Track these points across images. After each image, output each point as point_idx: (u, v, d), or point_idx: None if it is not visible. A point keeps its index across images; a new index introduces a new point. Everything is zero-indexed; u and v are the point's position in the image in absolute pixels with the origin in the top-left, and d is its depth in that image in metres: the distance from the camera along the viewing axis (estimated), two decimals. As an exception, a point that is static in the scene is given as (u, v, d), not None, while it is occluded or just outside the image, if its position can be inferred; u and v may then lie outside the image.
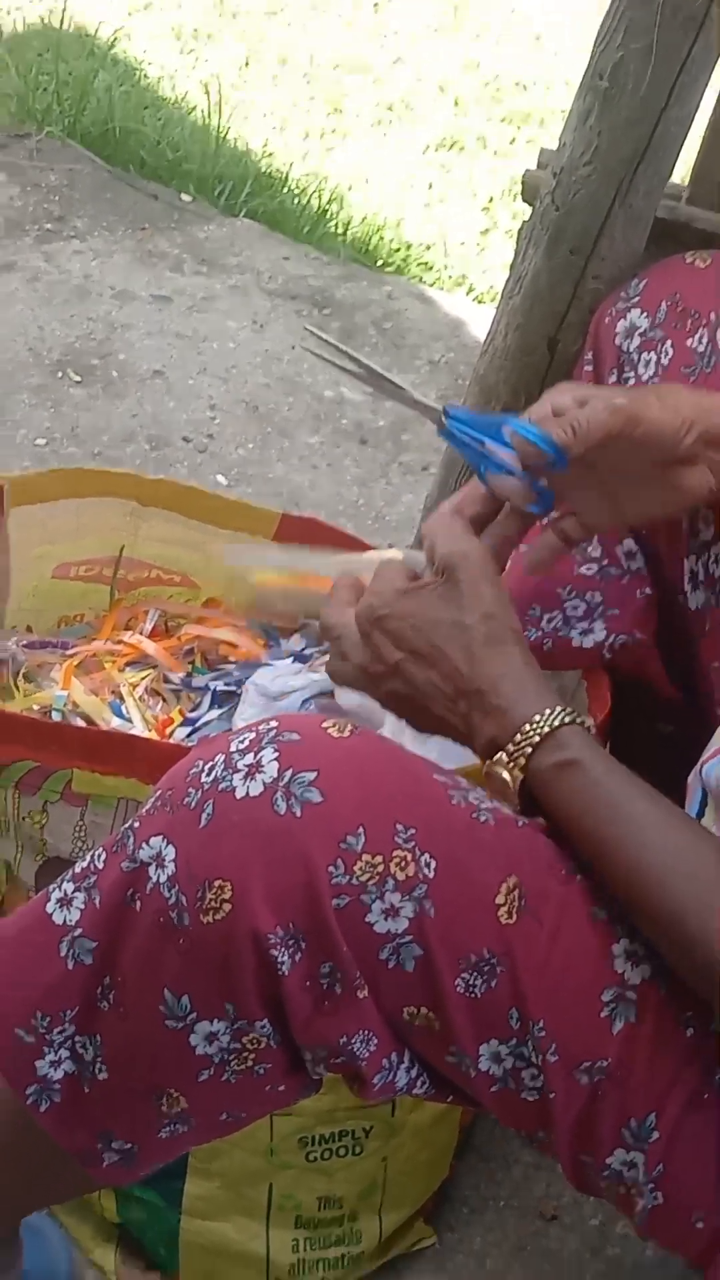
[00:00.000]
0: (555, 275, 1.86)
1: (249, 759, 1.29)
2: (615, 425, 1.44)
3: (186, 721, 1.85)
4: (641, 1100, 1.28)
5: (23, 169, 3.73)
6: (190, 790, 1.29)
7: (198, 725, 1.85)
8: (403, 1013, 1.29)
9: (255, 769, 1.28)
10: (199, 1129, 1.36)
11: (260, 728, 1.32)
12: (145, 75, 4.45)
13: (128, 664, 1.90)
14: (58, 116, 3.89)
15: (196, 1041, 1.30)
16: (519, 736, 1.32)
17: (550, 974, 1.28)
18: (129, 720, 1.83)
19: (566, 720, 1.32)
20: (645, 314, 1.77)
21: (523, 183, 1.94)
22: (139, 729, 1.82)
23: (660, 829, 1.28)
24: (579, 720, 1.33)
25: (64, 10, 4.52)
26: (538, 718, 1.32)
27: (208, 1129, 1.37)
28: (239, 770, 1.28)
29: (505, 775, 1.32)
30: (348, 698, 1.81)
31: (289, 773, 1.27)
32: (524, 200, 1.94)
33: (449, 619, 1.37)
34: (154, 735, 1.82)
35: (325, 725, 1.32)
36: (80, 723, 1.82)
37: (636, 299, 1.78)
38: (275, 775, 1.27)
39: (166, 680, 1.90)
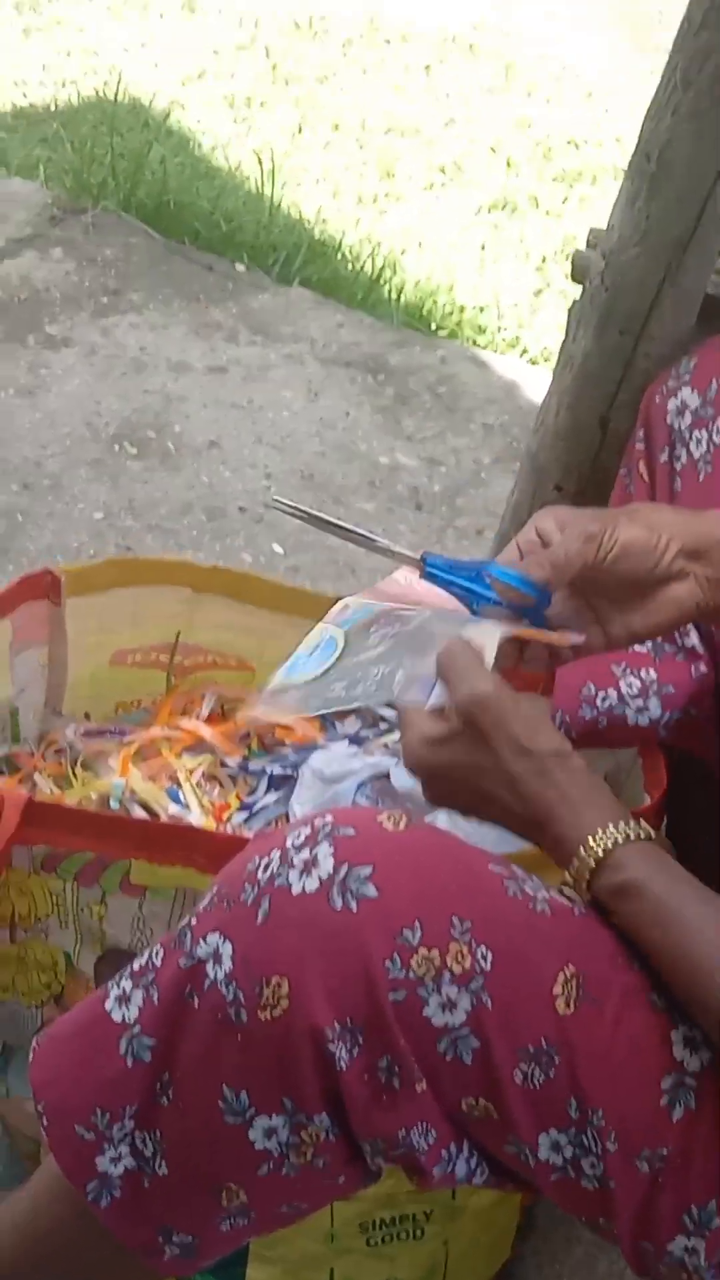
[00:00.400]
0: (606, 355, 1.87)
1: (305, 854, 1.29)
2: (590, 553, 1.44)
3: (244, 806, 1.86)
4: (702, 1187, 1.27)
5: (79, 244, 3.77)
6: (247, 886, 1.30)
7: (255, 810, 1.85)
8: (461, 1104, 1.29)
9: (311, 864, 1.28)
10: (259, 1221, 1.36)
11: (316, 822, 1.32)
12: (199, 145, 4.48)
13: (185, 749, 1.91)
14: (113, 191, 3.92)
15: (255, 1136, 1.30)
16: (576, 862, 1.32)
17: (609, 1063, 1.28)
18: (186, 806, 1.83)
19: (620, 840, 1.32)
20: (696, 392, 1.77)
21: (572, 263, 1.95)
22: (196, 815, 1.83)
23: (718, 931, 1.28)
24: (633, 836, 1.33)
25: (119, 83, 4.57)
26: (592, 841, 1.32)
27: (268, 1221, 1.37)
28: (295, 866, 1.29)
29: (576, 896, 1.34)
30: (402, 780, 1.81)
31: (345, 868, 1.28)
32: (573, 280, 1.95)
33: (487, 764, 1.37)
34: (211, 821, 1.82)
35: (380, 818, 1.32)
36: (138, 810, 1.82)
37: (688, 377, 1.79)
38: (331, 870, 1.28)
39: (223, 765, 1.90)
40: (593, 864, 1.32)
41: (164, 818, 1.82)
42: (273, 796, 1.86)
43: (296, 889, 1.28)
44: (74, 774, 1.86)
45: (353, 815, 1.33)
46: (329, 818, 1.32)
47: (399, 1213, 1.69)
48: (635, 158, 1.79)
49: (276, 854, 1.30)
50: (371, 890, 1.27)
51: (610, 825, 1.33)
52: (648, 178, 1.78)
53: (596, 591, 1.49)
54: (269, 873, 1.30)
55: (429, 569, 1.51)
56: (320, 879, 1.28)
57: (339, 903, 1.27)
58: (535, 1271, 1.91)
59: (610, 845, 1.32)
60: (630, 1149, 1.28)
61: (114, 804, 1.82)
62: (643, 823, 1.35)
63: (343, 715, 1.95)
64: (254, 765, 1.90)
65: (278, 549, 3.01)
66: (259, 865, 1.31)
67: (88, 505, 3.03)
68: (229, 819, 1.84)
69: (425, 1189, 1.35)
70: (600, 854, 1.32)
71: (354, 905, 1.26)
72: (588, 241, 1.96)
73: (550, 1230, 1.94)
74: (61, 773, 1.87)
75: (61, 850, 1.64)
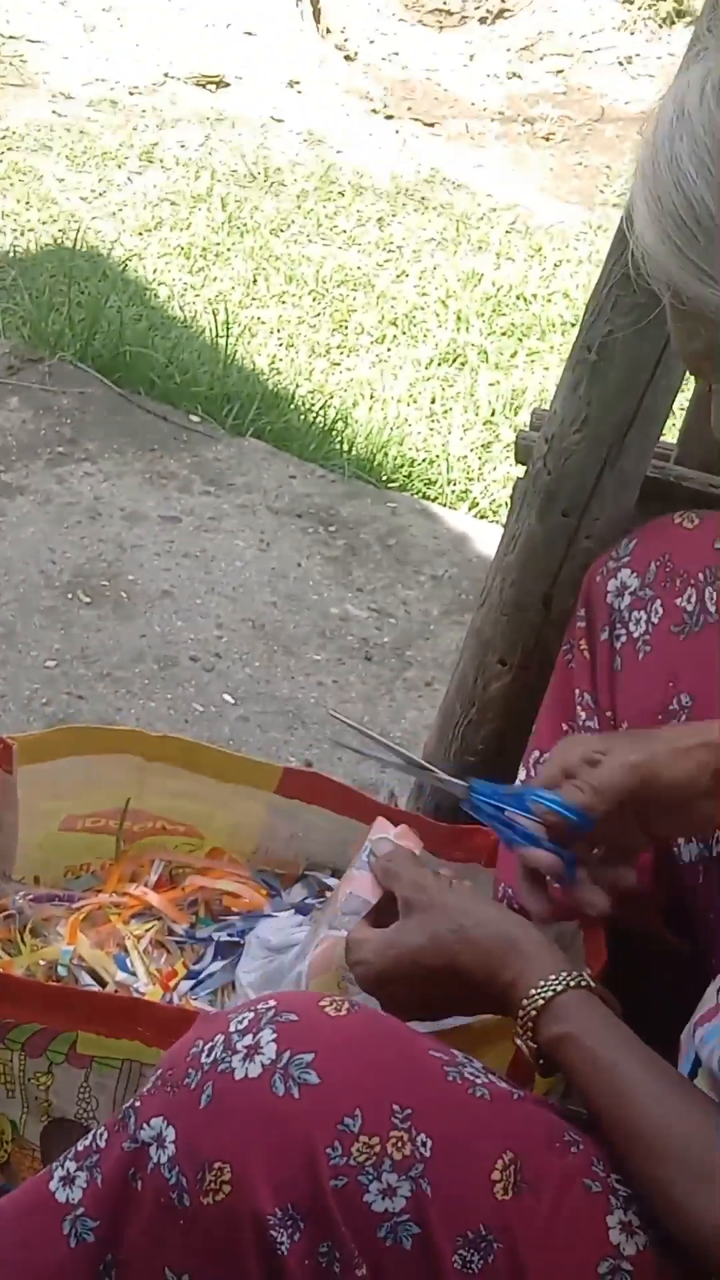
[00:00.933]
0: (549, 535, 1.92)
1: (248, 1040, 1.31)
2: (633, 784, 1.53)
3: (190, 974, 1.88)
4: None
5: (35, 394, 3.83)
6: (190, 1070, 1.32)
7: (201, 978, 1.87)
8: None
9: (254, 1050, 1.31)
10: None
11: (259, 1007, 1.35)
12: (155, 295, 4.56)
13: (133, 916, 1.93)
14: (70, 341, 3.99)
15: None
16: (520, 1012, 1.38)
17: (548, 1248, 1.30)
18: (134, 974, 1.85)
19: (560, 989, 1.36)
20: (635, 574, 1.82)
21: (516, 445, 2.01)
22: (144, 983, 1.85)
23: (653, 1098, 1.32)
24: (573, 984, 1.38)
25: (78, 232, 4.66)
26: (534, 991, 1.37)
27: None
28: (238, 1051, 1.31)
29: (522, 1046, 1.39)
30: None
31: (287, 1054, 1.30)
32: (517, 461, 2.01)
33: (440, 929, 1.47)
34: (158, 989, 1.84)
35: (322, 1004, 1.35)
36: (86, 977, 1.84)
37: (627, 559, 1.84)
38: (274, 1057, 1.30)
39: (170, 932, 1.93)
40: (534, 1012, 1.37)
41: (111, 985, 1.84)
42: (219, 964, 1.88)
43: (239, 1074, 1.30)
44: (22, 940, 1.87)
45: (295, 1000, 1.36)
46: (271, 1003, 1.35)
47: None
48: (577, 347, 1.86)
49: (220, 1039, 1.33)
50: (314, 1077, 1.29)
51: (553, 975, 1.38)
52: (589, 367, 1.84)
53: (635, 811, 1.58)
54: (212, 1057, 1.32)
55: (474, 794, 1.59)
56: (263, 1065, 1.30)
57: (281, 1089, 1.29)
58: None
59: (551, 993, 1.37)
60: None
61: (62, 971, 1.84)
62: (586, 973, 1.39)
63: (290, 881, 1.98)
64: (201, 933, 1.92)
65: (228, 699, 3.04)
66: (203, 1049, 1.33)
67: (40, 653, 3.06)
68: (176, 986, 1.86)
69: None
70: (541, 1002, 1.37)
71: (296, 1092, 1.29)
72: (531, 423, 2.02)
73: None
74: (10, 938, 1.89)
75: (9, 1020, 1.66)
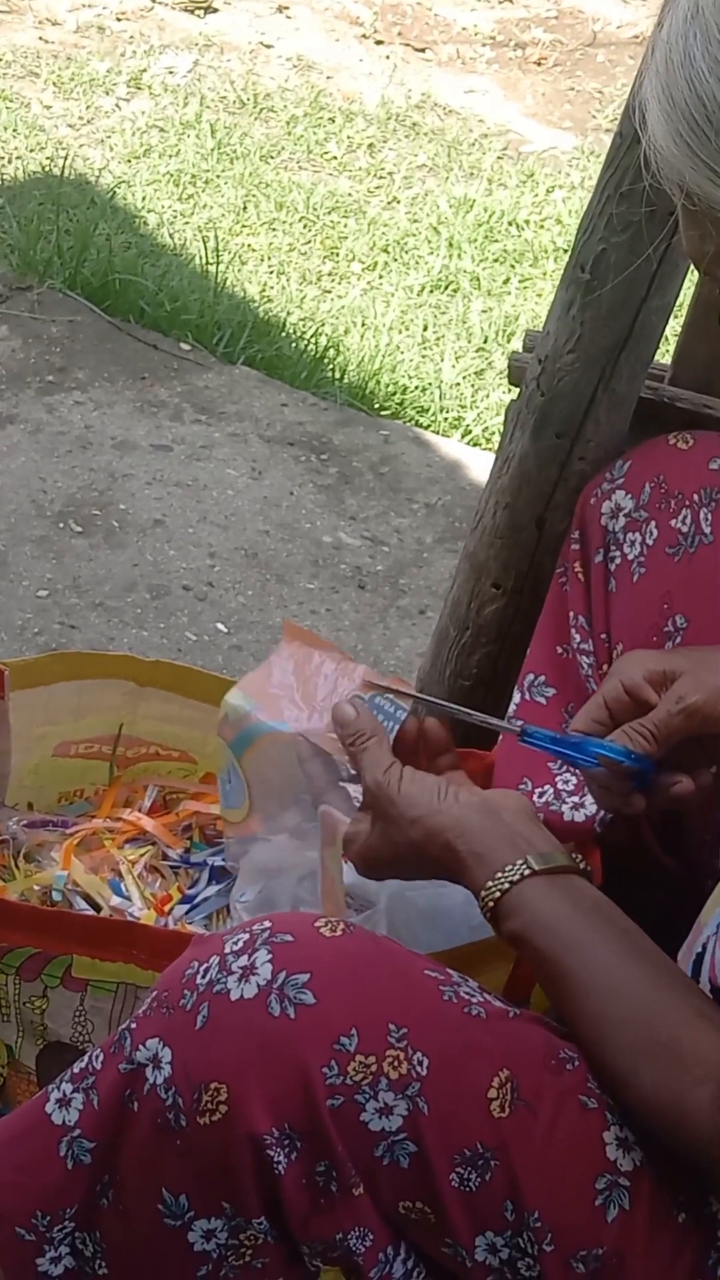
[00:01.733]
0: (542, 458, 1.91)
1: (243, 960, 1.32)
2: (691, 727, 1.54)
3: (185, 899, 1.88)
4: None
5: (24, 321, 3.80)
6: (186, 992, 1.32)
7: (196, 902, 1.87)
8: (398, 1207, 1.31)
9: (250, 971, 1.31)
10: None
11: (254, 928, 1.35)
12: (145, 223, 4.52)
13: (127, 841, 1.93)
14: (59, 269, 3.96)
15: (195, 1239, 1.32)
16: (480, 910, 1.40)
17: (545, 1165, 1.30)
18: (128, 898, 1.85)
19: (505, 887, 1.38)
20: (630, 495, 1.81)
21: (509, 366, 1.99)
22: (138, 907, 1.85)
23: (600, 972, 1.33)
24: (519, 876, 1.38)
25: (65, 159, 4.61)
26: (484, 891, 1.39)
27: None
28: (233, 972, 1.31)
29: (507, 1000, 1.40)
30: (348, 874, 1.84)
31: (283, 975, 1.30)
32: (510, 383, 1.99)
33: (397, 838, 1.48)
34: (153, 913, 1.84)
35: (318, 924, 1.35)
36: (81, 902, 1.84)
37: (621, 480, 1.83)
38: (269, 977, 1.30)
39: (165, 857, 1.93)
40: (491, 905, 1.38)
41: (106, 910, 1.84)
42: (214, 889, 1.89)
43: (235, 995, 1.30)
44: (16, 865, 1.88)
45: (291, 921, 1.36)
46: (267, 924, 1.35)
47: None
48: (569, 267, 1.84)
49: (215, 960, 1.33)
50: (309, 997, 1.29)
51: (500, 871, 1.38)
52: (582, 286, 1.82)
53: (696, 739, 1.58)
54: (208, 978, 1.32)
55: (526, 739, 1.60)
56: (258, 985, 1.30)
57: (277, 1009, 1.29)
58: None
59: (499, 893, 1.38)
60: (566, 1250, 1.30)
61: (56, 896, 1.84)
62: (532, 856, 1.39)
63: (284, 808, 1.98)
64: (195, 858, 1.93)
65: (221, 628, 3.04)
66: (198, 970, 1.33)
67: (32, 582, 3.05)
68: (170, 911, 1.87)
69: None
70: (491, 905, 1.38)
71: (292, 1012, 1.29)
72: (524, 345, 2.00)
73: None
74: (4, 864, 1.89)
75: (4, 944, 1.66)
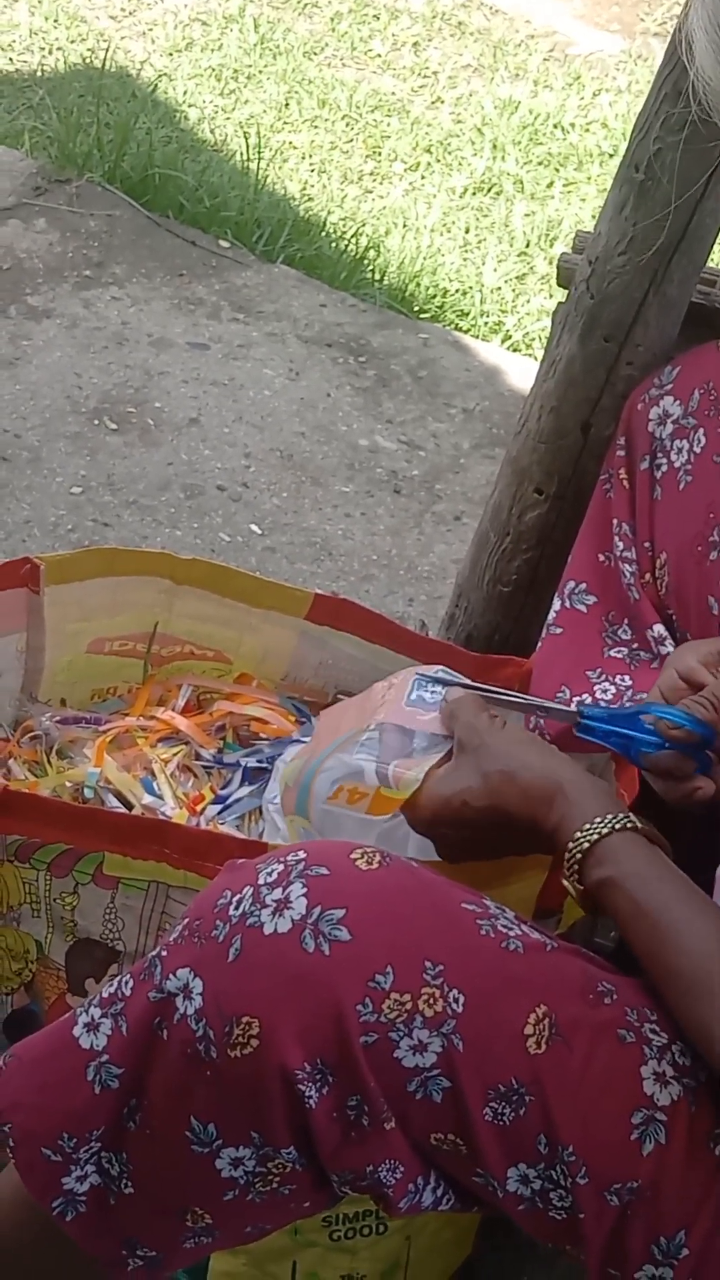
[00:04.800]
0: (589, 361, 1.88)
1: (277, 894, 1.30)
2: None
3: (218, 799, 1.87)
4: (671, 1218, 1.29)
5: (62, 215, 3.76)
6: (218, 923, 1.31)
7: (229, 803, 1.86)
8: (430, 1138, 1.31)
9: (284, 905, 1.29)
10: (223, 1239, 1.38)
11: (289, 859, 1.33)
12: (186, 118, 4.47)
13: (160, 740, 1.92)
14: (98, 162, 3.91)
15: (222, 1166, 1.31)
16: (566, 855, 1.37)
17: (580, 1099, 1.30)
18: (161, 798, 1.84)
19: (604, 832, 1.35)
20: (678, 401, 1.79)
21: (558, 268, 1.96)
22: (171, 806, 1.84)
23: (695, 937, 1.31)
24: (619, 826, 1.36)
25: (106, 51, 4.55)
26: (579, 834, 1.37)
27: (232, 1239, 1.39)
28: (267, 905, 1.30)
29: (570, 888, 1.38)
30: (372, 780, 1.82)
31: (317, 910, 1.29)
32: (558, 284, 1.96)
33: (489, 768, 1.46)
34: (185, 813, 1.83)
35: (353, 856, 1.34)
36: (113, 799, 1.83)
37: (670, 386, 1.80)
38: (304, 912, 1.29)
39: (198, 757, 1.91)
40: (579, 855, 1.35)
41: (138, 808, 1.83)
42: (246, 789, 1.87)
43: (269, 929, 1.29)
44: (49, 761, 1.86)
45: (326, 852, 1.34)
46: (301, 854, 1.33)
47: (363, 1208, 1.71)
48: (623, 167, 1.80)
49: (249, 891, 1.31)
50: (344, 933, 1.28)
51: (599, 816, 1.37)
52: (635, 186, 1.78)
53: None
54: (241, 910, 1.30)
55: (585, 721, 1.58)
56: (293, 920, 1.29)
57: (311, 945, 1.28)
58: (497, 1268, 1.93)
59: (596, 837, 1.36)
60: (600, 1182, 1.30)
61: (88, 793, 1.83)
62: (633, 815, 1.38)
63: (318, 709, 1.96)
64: (229, 758, 1.91)
65: (255, 529, 3.02)
66: (230, 901, 1.31)
67: (66, 479, 3.04)
68: (203, 811, 1.86)
69: (392, 1216, 1.37)
70: (586, 845, 1.35)
71: (326, 948, 1.27)
72: (574, 246, 1.97)
73: (513, 1228, 1.96)
74: (36, 759, 1.88)
75: (35, 840, 1.66)
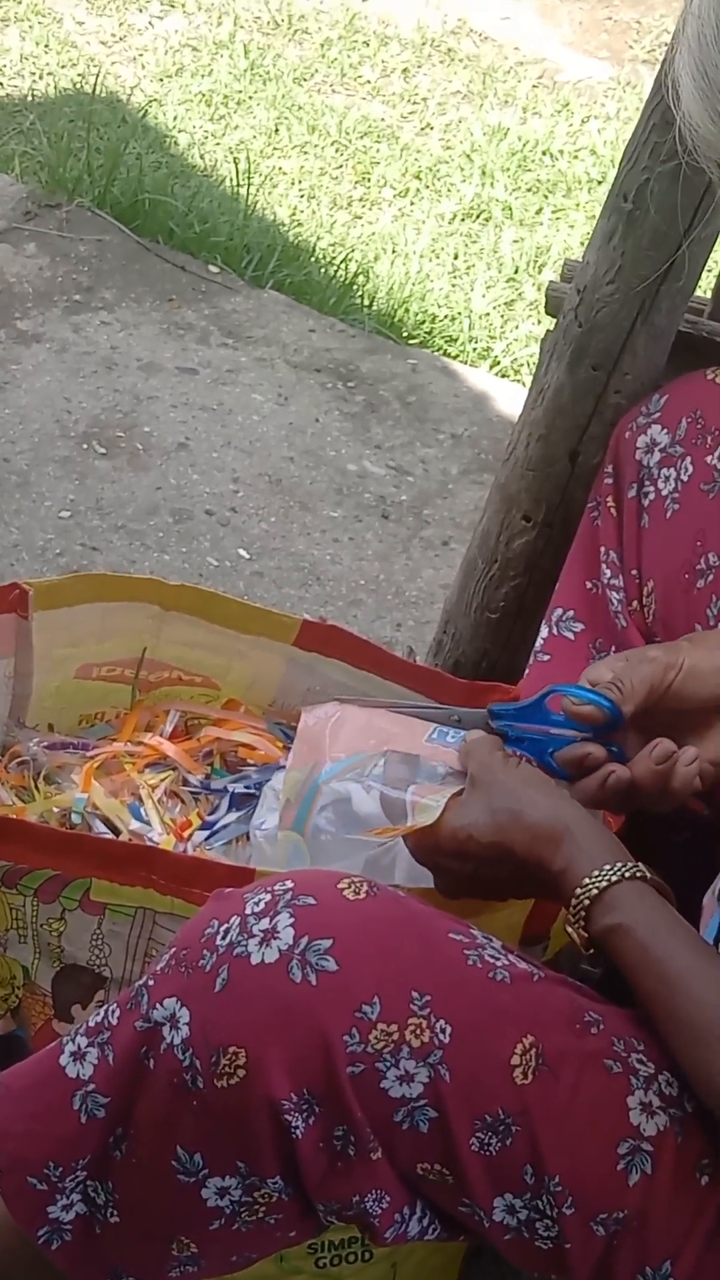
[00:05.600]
0: (578, 390, 1.88)
1: (264, 924, 1.30)
2: (656, 673, 1.48)
3: (205, 825, 1.87)
4: (658, 1248, 1.29)
5: (52, 239, 3.77)
6: (205, 952, 1.31)
7: (216, 828, 1.86)
8: (416, 1168, 1.31)
9: (271, 935, 1.29)
10: (209, 1268, 1.38)
11: (276, 888, 1.33)
12: (175, 143, 4.48)
13: (147, 765, 1.92)
14: (88, 186, 3.92)
15: (208, 1195, 1.31)
16: (573, 901, 1.36)
17: (567, 1130, 1.30)
18: (148, 823, 1.84)
19: (613, 879, 1.35)
20: (666, 430, 1.79)
21: (547, 296, 1.96)
22: (158, 832, 1.84)
23: (700, 986, 1.31)
24: (628, 875, 1.36)
25: (97, 76, 4.56)
26: (588, 881, 1.36)
27: (218, 1268, 1.38)
28: (254, 935, 1.30)
29: (573, 934, 1.37)
30: (363, 806, 1.82)
31: (305, 940, 1.29)
32: (547, 313, 1.97)
33: (498, 804, 1.45)
34: (172, 839, 1.83)
35: (340, 886, 1.34)
36: (100, 825, 1.83)
37: (657, 415, 1.81)
38: (291, 942, 1.29)
39: (185, 782, 1.92)
40: (587, 902, 1.35)
41: (125, 834, 1.83)
42: (234, 815, 1.87)
43: (256, 959, 1.29)
44: (36, 786, 1.86)
45: (313, 882, 1.34)
46: (289, 884, 1.33)
47: (348, 1235, 1.70)
48: (612, 196, 1.81)
49: (236, 920, 1.31)
50: (331, 964, 1.28)
51: (608, 864, 1.36)
52: (624, 215, 1.79)
53: (667, 724, 1.52)
54: (228, 940, 1.30)
55: (496, 721, 1.58)
56: (280, 950, 1.29)
57: (298, 975, 1.28)
58: (482, 1294, 1.93)
59: (605, 884, 1.35)
60: (587, 1213, 1.30)
61: (75, 818, 1.83)
62: (640, 865, 1.37)
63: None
64: (216, 784, 1.91)
65: (243, 554, 3.02)
66: (218, 931, 1.32)
67: (55, 503, 3.04)
68: (190, 837, 1.86)
69: (377, 1245, 1.37)
70: (595, 892, 1.35)
71: (313, 979, 1.28)
72: (562, 274, 1.98)
73: (499, 1255, 1.95)
74: (24, 784, 1.88)
75: (22, 866, 1.65)
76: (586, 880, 1.36)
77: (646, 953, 1.33)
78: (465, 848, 1.45)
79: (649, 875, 1.37)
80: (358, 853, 1.59)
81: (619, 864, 1.36)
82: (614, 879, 1.35)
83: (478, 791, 1.47)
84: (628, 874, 1.36)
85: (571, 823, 1.41)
